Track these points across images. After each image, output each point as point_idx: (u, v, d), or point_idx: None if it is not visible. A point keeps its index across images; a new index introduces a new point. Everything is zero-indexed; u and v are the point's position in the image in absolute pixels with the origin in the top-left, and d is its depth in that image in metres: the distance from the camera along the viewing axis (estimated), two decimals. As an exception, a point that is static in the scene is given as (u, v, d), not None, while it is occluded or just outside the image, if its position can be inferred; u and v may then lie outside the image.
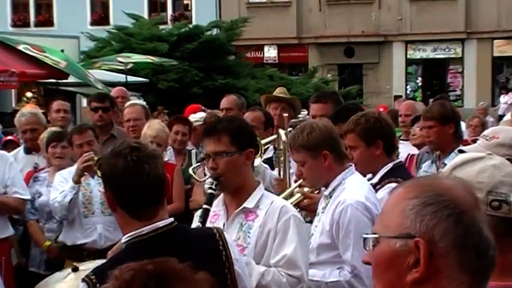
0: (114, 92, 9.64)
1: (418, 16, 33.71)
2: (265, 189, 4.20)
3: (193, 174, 6.79)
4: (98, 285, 2.89)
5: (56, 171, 6.46)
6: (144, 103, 9.68)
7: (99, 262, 4.17)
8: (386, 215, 1.94)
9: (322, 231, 4.26)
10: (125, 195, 3.10)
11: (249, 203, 3.88)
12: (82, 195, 6.09)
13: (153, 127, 7.00)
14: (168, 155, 7.47)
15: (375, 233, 1.94)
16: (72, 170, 6.16)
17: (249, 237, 3.84)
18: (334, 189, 4.32)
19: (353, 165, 4.49)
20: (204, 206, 4.04)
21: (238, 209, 3.91)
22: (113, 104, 8.08)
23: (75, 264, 4.46)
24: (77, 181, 5.98)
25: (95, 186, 6.19)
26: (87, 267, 4.38)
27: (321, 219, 4.33)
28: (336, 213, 4.14)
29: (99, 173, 5.79)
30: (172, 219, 3.19)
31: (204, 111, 9.65)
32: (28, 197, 6.35)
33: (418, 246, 1.82)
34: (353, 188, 4.22)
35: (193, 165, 6.97)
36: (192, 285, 1.94)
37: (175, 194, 6.87)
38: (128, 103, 8.27)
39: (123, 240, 3.16)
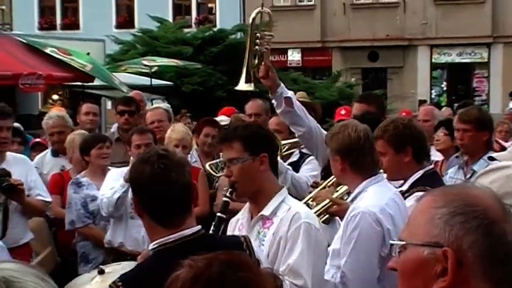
0: (131, 95, 9.70)
1: (443, 20, 33.43)
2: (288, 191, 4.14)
3: (210, 170, 6.83)
4: None
5: (98, 172, 6.57)
6: (168, 106, 9.73)
7: (125, 264, 4.21)
8: (413, 223, 1.94)
9: (337, 236, 4.22)
10: (152, 202, 3.11)
11: (266, 210, 3.84)
12: (130, 197, 6.07)
13: (177, 130, 7.07)
14: (193, 158, 7.52)
15: (402, 240, 1.94)
16: (124, 170, 6.19)
17: (262, 245, 3.80)
18: (356, 197, 4.26)
19: (382, 173, 4.42)
20: (218, 214, 4.04)
21: (256, 217, 3.88)
22: (138, 107, 8.14)
23: (101, 266, 4.48)
24: (127, 180, 6.04)
25: None
26: (114, 269, 4.42)
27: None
28: (346, 219, 4.08)
29: None
30: (199, 227, 3.19)
31: (237, 113, 9.65)
32: (49, 199, 6.37)
33: (446, 255, 1.82)
34: (371, 197, 4.13)
35: (211, 162, 7.00)
36: (261, 279, 1.97)
37: (200, 197, 6.91)
38: (151, 106, 8.33)
39: (150, 247, 3.18)
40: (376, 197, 4.11)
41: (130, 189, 5.97)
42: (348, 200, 4.41)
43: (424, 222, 1.89)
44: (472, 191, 1.94)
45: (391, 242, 2.01)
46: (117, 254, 6.04)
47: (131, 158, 6.20)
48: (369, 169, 4.28)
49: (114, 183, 6.13)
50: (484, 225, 1.82)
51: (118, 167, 6.71)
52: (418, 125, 5.08)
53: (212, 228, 3.94)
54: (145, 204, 3.13)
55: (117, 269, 4.48)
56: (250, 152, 3.79)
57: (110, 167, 6.67)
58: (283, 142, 6.06)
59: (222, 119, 8.69)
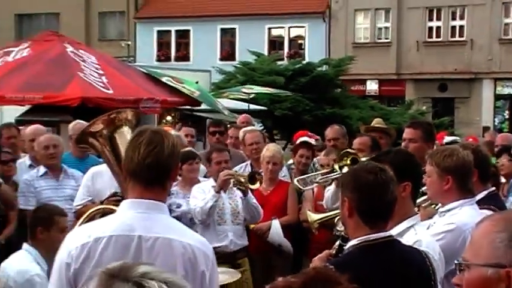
0: (241, 117, 9.80)
1: (506, 56, 32.60)
2: None
3: (297, 184, 6.82)
4: None
5: (187, 184, 6.58)
6: (262, 128, 9.80)
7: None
8: (476, 245, 1.91)
9: None
10: (368, 205, 3.09)
11: (394, 231, 3.48)
12: (216, 206, 6.18)
13: (270, 149, 7.07)
14: (283, 173, 7.52)
15: (465, 260, 1.92)
16: (209, 183, 6.31)
17: None
18: (448, 210, 4.07)
19: (472, 200, 4.15)
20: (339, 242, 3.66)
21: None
22: (226, 128, 8.26)
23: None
24: (218, 191, 6.10)
25: (226, 199, 6.30)
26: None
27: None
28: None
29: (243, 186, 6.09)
30: (390, 232, 3.16)
31: (310, 136, 9.62)
32: None
33: (509, 275, 1.79)
34: (467, 216, 3.88)
35: (299, 177, 6.98)
36: None
37: (290, 207, 6.92)
38: (248, 129, 8.38)
39: (352, 243, 3.13)
40: (470, 219, 3.75)
41: (215, 199, 6.10)
42: (440, 210, 4.19)
43: (486, 244, 1.86)
44: None
45: (456, 261, 1.97)
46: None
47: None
48: (470, 191, 4.12)
49: (203, 195, 6.18)
50: None
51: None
52: (484, 149, 4.89)
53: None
54: (361, 205, 3.10)
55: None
56: (396, 178, 3.47)
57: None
58: (363, 159, 5.99)
59: (306, 140, 8.66)
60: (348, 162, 5.98)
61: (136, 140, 2.99)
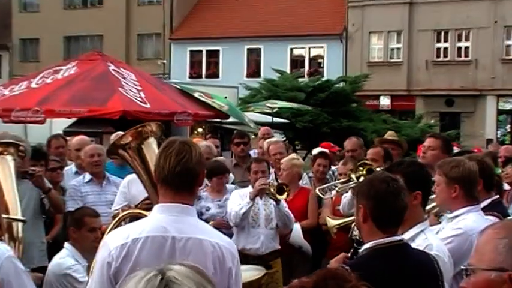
0: (262, 129, 9.77)
1: (508, 75, 32.25)
2: None
3: (318, 193, 6.78)
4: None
5: (216, 190, 6.62)
6: (284, 138, 9.75)
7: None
8: (481, 251, 1.91)
9: None
10: (381, 211, 3.08)
11: (407, 235, 3.48)
12: (252, 211, 6.19)
13: (289, 158, 7.16)
14: (304, 180, 7.49)
15: (471, 265, 1.92)
16: (247, 189, 6.29)
17: None
18: (456, 216, 4.01)
19: (478, 206, 4.10)
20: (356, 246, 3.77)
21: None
22: (249, 139, 8.25)
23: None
24: (253, 199, 6.09)
25: (261, 205, 6.30)
26: (244, 267, 4.47)
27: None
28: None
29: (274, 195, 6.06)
30: (401, 237, 3.16)
31: (332, 147, 9.60)
32: None
33: (511, 278, 1.80)
34: (473, 222, 3.84)
35: (321, 186, 6.93)
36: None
37: (310, 212, 6.88)
38: (272, 140, 8.35)
39: (366, 246, 3.12)
40: (476, 224, 3.74)
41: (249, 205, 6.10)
42: (449, 216, 4.14)
43: (489, 250, 1.86)
44: None
45: (462, 267, 1.97)
46: (241, 255, 6.07)
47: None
48: (475, 198, 4.08)
49: (240, 200, 6.18)
50: None
51: (241, 186, 6.87)
52: (489, 161, 4.80)
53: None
54: (375, 211, 3.10)
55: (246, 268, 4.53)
56: (408, 187, 3.46)
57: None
58: (378, 169, 5.94)
59: (323, 150, 8.65)
60: (364, 172, 5.93)
61: (167, 150, 3.03)
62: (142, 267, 2.84)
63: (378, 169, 6.08)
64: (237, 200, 6.21)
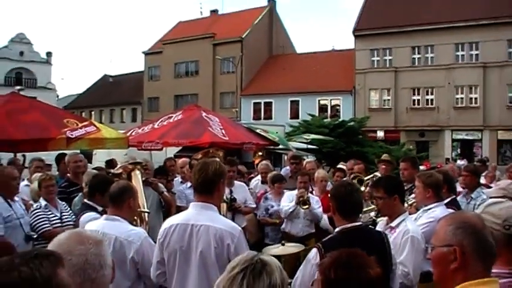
0: (290, 154, 9.19)
1: (458, 116, 31.34)
2: None
3: None
4: (322, 251, 2.80)
5: (277, 193, 6.41)
6: (315, 159, 9.49)
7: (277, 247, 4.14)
8: (437, 234, 1.91)
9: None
10: (343, 206, 2.99)
11: (393, 223, 3.47)
12: (294, 210, 6.03)
13: (321, 173, 6.98)
14: (329, 186, 7.29)
15: (432, 243, 1.93)
16: (292, 192, 6.12)
17: None
18: (429, 209, 3.95)
19: (443, 202, 4.02)
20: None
21: (387, 226, 3.54)
22: (301, 161, 8.09)
23: (283, 242, 4.49)
24: (297, 203, 5.96)
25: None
26: (289, 244, 4.42)
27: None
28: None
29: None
30: (360, 222, 3.04)
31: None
32: (254, 205, 6.25)
33: (456, 250, 1.81)
34: (442, 212, 3.71)
35: None
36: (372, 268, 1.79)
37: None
38: (308, 160, 8.20)
39: (336, 230, 3.01)
40: (442, 214, 3.51)
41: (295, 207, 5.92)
42: (425, 208, 4.04)
43: (442, 233, 1.87)
44: (465, 215, 1.93)
45: (427, 245, 1.97)
46: (287, 236, 5.95)
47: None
48: (441, 197, 4.06)
49: (288, 201, 6.07)
50: (474, 233, 1.82)
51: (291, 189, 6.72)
52: (450, 173, 4.81)
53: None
54: (339, 206, 3.01)
55: (291, 244, 4.46)
56: (388, 194, 3.48)
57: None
58: (365, 178, 5.79)
59: (341, 166, 8.43)
60: (356, 180, 5.96)
61: (195, 168, 3.07)
62: (173, 242, 2.94)
63: (365, 178, 6.24)
64: (287, 200, 6.10)
